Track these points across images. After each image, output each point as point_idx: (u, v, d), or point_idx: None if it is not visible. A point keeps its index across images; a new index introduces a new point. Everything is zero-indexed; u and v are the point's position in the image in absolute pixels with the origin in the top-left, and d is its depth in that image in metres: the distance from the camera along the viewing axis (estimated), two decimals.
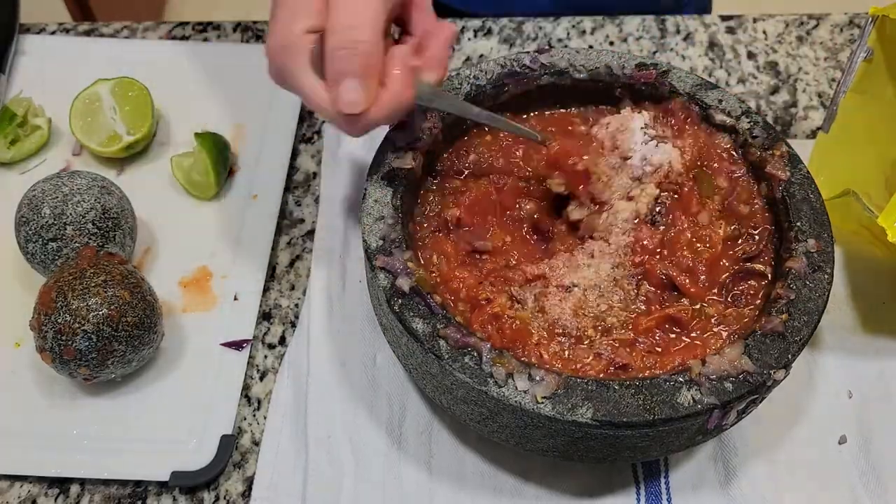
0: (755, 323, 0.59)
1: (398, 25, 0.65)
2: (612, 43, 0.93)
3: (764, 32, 0.94)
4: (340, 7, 0.57)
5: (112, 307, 0.65)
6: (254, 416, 0.70)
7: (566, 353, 0.59)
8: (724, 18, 0.95)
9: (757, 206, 0.67)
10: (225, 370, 0.71)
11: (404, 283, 0.59)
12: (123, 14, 2.02)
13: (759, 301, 0.62)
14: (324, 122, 0.87)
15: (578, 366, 0.59)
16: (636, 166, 0.65)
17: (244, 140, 0.84)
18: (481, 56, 0.92)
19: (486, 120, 0.66)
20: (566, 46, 0.88)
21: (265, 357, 0.73)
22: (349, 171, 0.82)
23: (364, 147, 0.83)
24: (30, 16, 0.94)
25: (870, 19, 0.71)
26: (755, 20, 0.95)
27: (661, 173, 0.65)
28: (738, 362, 0.56)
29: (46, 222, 0.69)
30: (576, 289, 0.62)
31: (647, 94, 0.71)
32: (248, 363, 0.72)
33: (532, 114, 0.74)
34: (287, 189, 0.82)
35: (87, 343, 0.64)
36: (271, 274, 0.77)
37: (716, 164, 0.68)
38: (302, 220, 0.80)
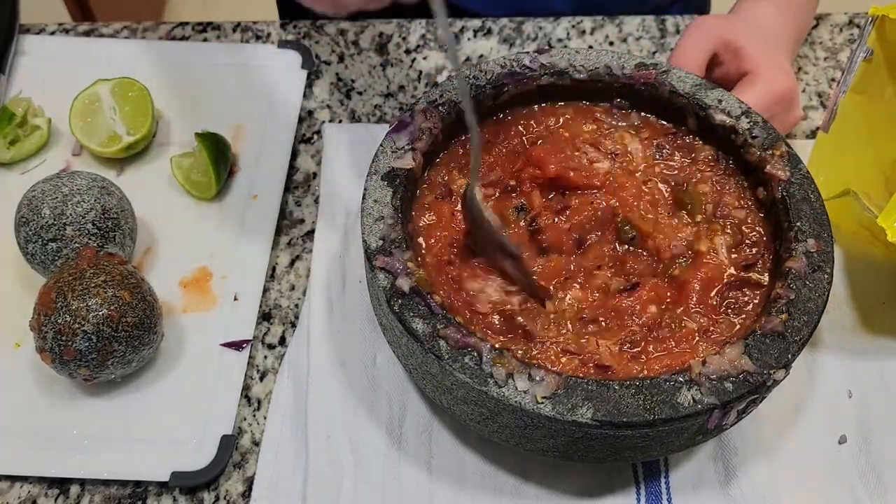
0: (755, 323, 0.59)
1: None
2: (611, 43, 0.93)
3: None
4: None
5: (112, 308, 0.65)
6: (254, 416, 0.70)
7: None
8: None
9: (751, 209, 0.67)
10: (225, 370, 0.71)
11: (404, 284, 0.59)
12: (123, 14, 2.02)
13: (750, 310, 0.62)
14: (324, 121, 0.87)
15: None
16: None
17: (244, 140, 0.84)
18: (481, 56, 0.92)
19: (472, 133, 0.60)
20: (566, 46, 0.88)
21: (265, 357, 0.73)
22: (349, 171, 0.82)
23: (364, 147, 0.83)
24: (30, 16, 0.94)
25: (869, 19, 0.71)
26: None
27: None
28: (738, 362, 0.56)
29: (46, 223, 0.69)
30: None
31: (646, 94, 0.71)
32: (248, 363, 0.72)
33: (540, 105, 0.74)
34: (287, 189, 0.82)
35: (87, 343, 0.64)
36: (271, 274, 0.77)
37: (699, 174, 0.69)
38: (302, 220, 0.80)
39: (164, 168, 0.81)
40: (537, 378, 0.55)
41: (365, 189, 0.64)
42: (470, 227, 0.64)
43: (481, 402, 0.57)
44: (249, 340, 0.72)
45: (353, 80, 0.90)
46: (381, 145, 0.67)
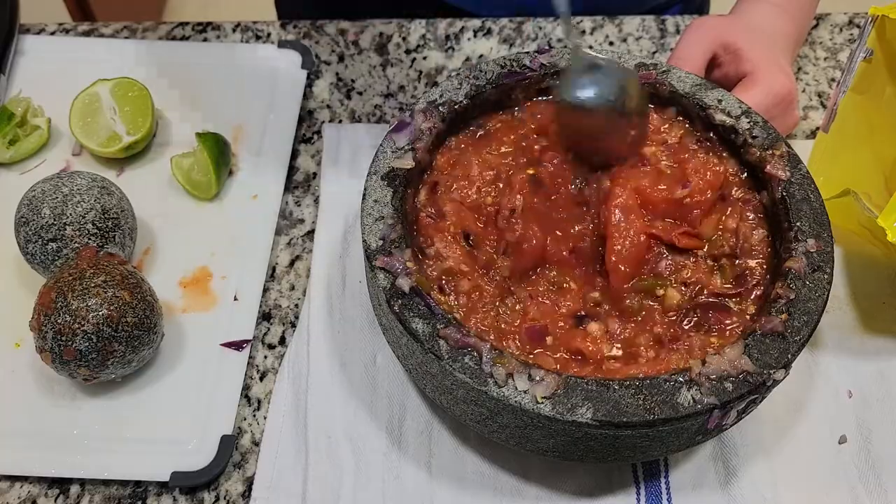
0: (755, 323, 0.59)
1: None
2: (611, 43, 0.93)
3: None
4: None
5: (112, 308, 0.65)
6: (254, 416, 0.70)
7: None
8: None
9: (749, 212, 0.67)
10: (225, 370, 0.71)
11: (404, 284, 0.59)
12: (123, 14, 2.01)
13: (729, 331, 0.61)
14: (324, 121, 0.87)
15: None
16: None
17: (244, 140, 0.84)
18: (481, 56, 0.92)
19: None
20: (566, 46, 0.88)
21: (265, 357, 0.73)
22: (349, 171, 0.82)
23: (364, 147, 0.83)
24: (30, 16, 0.94)
25: (869, 19, 0.71)
26: None
27: None
28: (738, 362, 0.56)
29: (46, 223, 0.69)
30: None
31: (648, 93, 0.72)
32: (248, 363, 0.72)
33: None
34: (287, 189, 0.82)
35: (87, 343, 0.64)
36: (271, 274, 0.77)
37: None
38: (302, 220, 0.80)
39: (164, 168, 0.81)
40: (537, 378, 0.55)
41: (365, 189, 0.64)
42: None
43: (481, 402, 0.57)
44: (249, 340, 0.72)
45: (353, 80, 0.90)
46: (381, 145, 0.67)
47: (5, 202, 0.77)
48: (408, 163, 0.65)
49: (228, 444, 0.67)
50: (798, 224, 0.63)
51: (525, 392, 0.55)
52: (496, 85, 0.71)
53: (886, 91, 0.74)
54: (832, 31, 0.94)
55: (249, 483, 0.67)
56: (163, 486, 0.67)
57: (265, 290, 0.76)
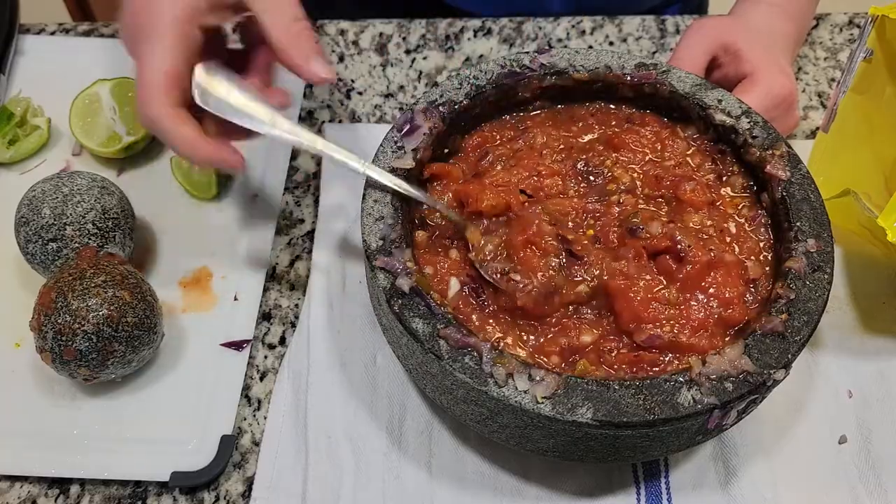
0: (755, 322, 0.59)
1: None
2: (611, 43, 0.93)
3: None
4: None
5: (112, 308, 0.65)
6: (254, 416, 0.70)
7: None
8: None
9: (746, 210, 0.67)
10: (225, 370, 0.71)
11: (404, 284, 0.59)
12: None
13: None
14: (324, 121, 0.87)
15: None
16: None
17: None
18: (481, 56, 0.92)
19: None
20: (566, 46, 0.88)
21: (265, 357, 0.73)
22: (349, 171, 0.82)
23: (365, 147, 0.83)
24: (29, 16, 0.94)
25: (869, 19, 0.71)
26: None
27: None
28: (739, 362, 0.56)
29: (46, 223, 0.69)
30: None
31: (647, 94, 0.71)
32: (248, 363, 0.72)
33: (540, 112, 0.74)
34: (287, 189, 0.82)
35: (87, 343, 0.64)
36: (271, 274, 0.77)
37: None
38: (302, 221, 0.80)
39: (164, 168, 0.81)
40: (537, 378, 0.55)
41: (365, 189, 0.64)
42: None
43: (481, 402, 0.57)
44: (249, 340, 0.72)
45: (353, 80, 0.90)
46: (380, 145, 0.67)
47: (5, 202, 0.76)
48: (408, 163, 0.65)
49: (228, 443, 0.67)
50: (798, 224, 0.63)
51: (525, 392, 0.55)
52: (496, 85, 0.70)
53: (886, 91, 0.74)
54: (832, 31, 0.94)
55: (249, 483, 0.67)
56: (163, 486, 0.67)
57: (265, 290, 0.76)
